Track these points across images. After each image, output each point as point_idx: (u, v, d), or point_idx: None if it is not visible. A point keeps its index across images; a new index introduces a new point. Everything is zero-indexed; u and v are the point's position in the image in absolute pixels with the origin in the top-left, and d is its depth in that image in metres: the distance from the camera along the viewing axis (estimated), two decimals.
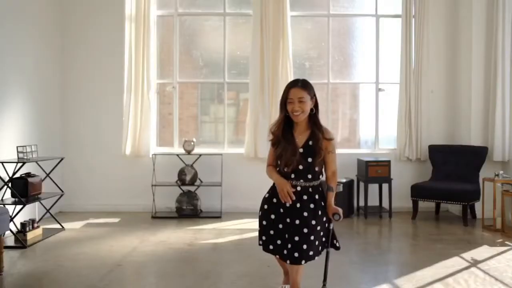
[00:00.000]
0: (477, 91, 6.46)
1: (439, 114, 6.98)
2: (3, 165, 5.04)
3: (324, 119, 7.16)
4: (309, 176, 3.03)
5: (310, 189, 3.05)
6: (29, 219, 5.24)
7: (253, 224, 6.06)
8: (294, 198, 3.02)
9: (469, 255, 4.66)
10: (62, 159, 5.98)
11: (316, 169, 3.04)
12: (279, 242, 3.07)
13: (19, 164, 5.20)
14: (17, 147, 5.31)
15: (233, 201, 6.79)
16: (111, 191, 6.87)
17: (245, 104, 7.17)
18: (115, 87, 6.79)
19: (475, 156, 6.29)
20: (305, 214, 3.00)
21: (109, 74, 6.84)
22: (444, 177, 6.45)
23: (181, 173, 6.51)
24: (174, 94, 7.08)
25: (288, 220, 3.04)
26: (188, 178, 6.51)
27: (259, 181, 6.89)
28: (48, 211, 5.83)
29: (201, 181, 6.62)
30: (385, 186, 6.57)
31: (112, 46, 6.82)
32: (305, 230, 2.98)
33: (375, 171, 6.40)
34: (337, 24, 7.23)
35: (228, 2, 7.09)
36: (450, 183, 6.21)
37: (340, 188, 3.24)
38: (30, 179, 5.22)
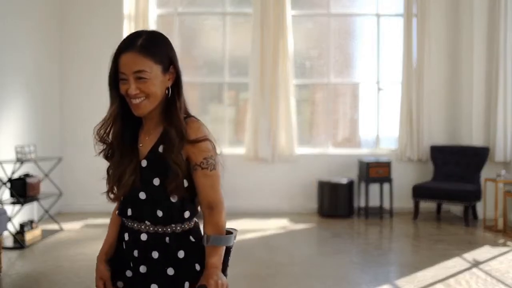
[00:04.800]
0: (479, 91, 6.43)
1: (440, 114, 6.95)
2: (1, 165, 5.01)
3: (324, 119, 7.15)
4: (161, 214, 1.61)
5: (168, 239, 1.62)
6: (28, 220, 5.22)
7: (253, 224, 6.04)
8: None
9: (471, 255, 4.63)
10: (60, 159, 5.95)
11: (175, 199, 1.61)
12: None
13: (18, 164, 5.17)
14: (15, 147, 5.28)
15: (233, 201, 6.74)
16: None
17: (245, 104, 7.14)
18: None
19: (477, 156, 6.26)
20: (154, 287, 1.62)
21: (108, 73, 6.79)
22: (446, 178, 6.42)
23: None
24: None
25: None
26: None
27: (259, 182, 6.92)
28: (46, 211, 5.80)
29: None
30: (386, 187, 6.54)
31: (111, 45, 6.70)
32: None
33: (375, 171, 6.38)
34: (338, 23, 7.20)
35: (228, 1, 7.06)
36: (452, 184, 6.19)
37: (230, 241, 1.64)
38: (28, 180, 5.19)
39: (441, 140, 6.89)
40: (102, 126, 1.68)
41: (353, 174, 6.78)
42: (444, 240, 5.30)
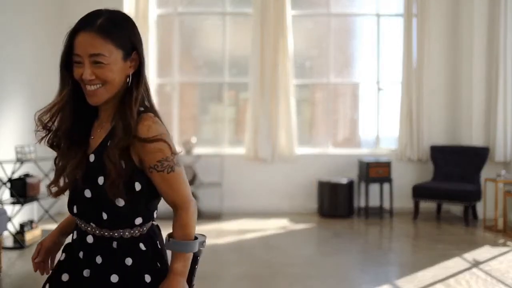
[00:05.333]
0: (479, 91, 6.43)
1: (440, 114, 6.94)
2: (1, 165, 5.01)
3: (324, 119, 7.15)
4: (106, 217, 1.45)
5: (115, 244, 1.47)
6: (28, 220, 5.21)
7: (253, 224, 6.04)
8: (47, 271, 1.68)
9: (471, 255, 4.63)
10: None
11: (121, 203, 1.43)
12: None
13: (18, 164, 5.17)
14: (15, 147, 5.28)
15: (233, 201, 6.76)
16: None
17: (245, 104, 7.14)
18: None
19: (477, 156, 6.26)
20: None
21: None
22: (446, 178, 6.42)
23: None
24: (173, 93, 7.05)
25: None
26: (187, 178, 6.47)
27: (259, 182, 6.92)
28: (47, 211, 5.80)
29: (201, 181, 6.60)
30: (386, 187, 6.54)
31: None
32: None
33: (375, 171, 6.37)
34: (338, 23, 7.20)
35: (228, 1, 7.06)
36: (452, 184, 6.18)
37: (192, 247, 1.48)
38: (28, 180, 5.19)
39: (441, 140, 6.89)
40: (47, 111, 1.51)
41: (353, 174, 6.78)
42: (444, 240, 5.30)
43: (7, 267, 4.21)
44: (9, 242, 4.97)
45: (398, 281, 3.90)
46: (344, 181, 6.43)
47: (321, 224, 6.11)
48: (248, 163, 6.79)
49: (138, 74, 1.47)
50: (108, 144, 1.42)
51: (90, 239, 1.49)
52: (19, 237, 4.97)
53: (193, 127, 7.27)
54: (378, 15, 7.07)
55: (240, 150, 6.89)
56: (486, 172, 6.19)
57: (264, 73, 6.68)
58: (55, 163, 1.56)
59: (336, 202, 6.41)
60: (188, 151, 6.55)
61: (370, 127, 7.22)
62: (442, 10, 6.89)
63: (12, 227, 5.18)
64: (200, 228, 5.76)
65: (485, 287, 3.72)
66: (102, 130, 1.49)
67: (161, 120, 1.48)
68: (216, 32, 7.16)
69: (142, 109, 1.46)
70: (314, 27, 7.29)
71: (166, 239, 1.52)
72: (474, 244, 5.07)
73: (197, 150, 6.70)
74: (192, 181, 6.48)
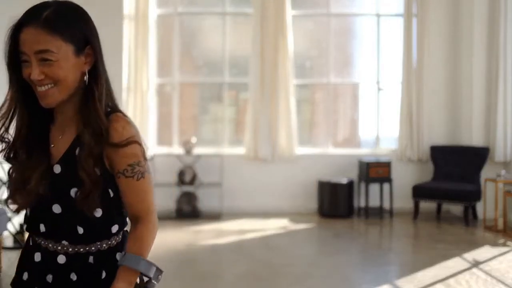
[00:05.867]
0: (479, 90, 6.42)
1: (440, 114, 6.94)
2: (1, 165, 5.01)
3: (324, 119, 7.15)
4: (82, 231, 1.32)
5: (92, 259, 1.34)
6: None
7: (253, 224, 6.04)
8: None
9: (471, 255, 4.63)
10: None
11: (98, 212, 1.32)
12: None
13: None
14: None
15: (233, 201, 6.75)
16: None
17: (245, 104, 7.14)
18: (114, 86, 6.64)
19: (477, 156, 6.26)
20: None
21: (108, 73, 6.79)
22: (446, 178, 6.42)
23: (181, 173, 6.49)
24: (173, 93, 7.05)
25: None
26: (187, 178, 6.48)
27: (259, 182, 6.92)
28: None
29: (201, 181, 6.60)
30: (386, 187, 6.54)
31: (111, 45, 6.77)
32: None
33: (375, 171, 6.37)
34: (338, 23, 7.20)
35: (228, 1, 7.06)
36: (452, 184, 6.18)
37: (148, 269, 1.33)
38: None
39: (441, 140, 6.89)
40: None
41: (353, 174, 6.77)
42: (444, 240, 5.30)
43: (7, 267, 4.21)
44: (9, 242, 4.97)
45: (398, 281, 3.90)
46: (344, 181, 6.42)
47: (321, 224, 6.11)
48: (248, 163, 6.79)
49: (95, 70, 1.33)
50: (77, 152, 1.28)
51: (61, 259, 1.32)
52: (19, 237, 4.97)
53: (193, 127, 7.27)
54: (378, 15, 7.07)
55: (240, 150, 6.89)
56: (486, 172, 6.19)
57: (264, 73, 6.68)
58: (9, 176, 1.35)
59: (336, 202, 6.41)
60: (188, 151, 6.55)
61: (370, 127, 7.22)
62: (442, 10, 6.89)
63: (12, 227, 5.18)
64: (201, 228, 5.77)
65: (485, 287, 3.72)
66: (64, 136, 1.33)
67: (131, 120, 1.36)
68: (216, 32, 7.16)
69: (109, 109, 1.33)
70: (314, 27, 7.29)
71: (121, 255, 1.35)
72: (474, 244, 5.07)
73: (197, 150, 6.70)
74: (192, 181, 6.48)
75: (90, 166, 1.26)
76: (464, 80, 6.66)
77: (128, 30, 6.69)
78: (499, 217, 5.68)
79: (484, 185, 5.99)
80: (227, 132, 7.13)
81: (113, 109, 1.35)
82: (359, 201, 6.71)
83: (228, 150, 7.00)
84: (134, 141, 1.30)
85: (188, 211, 6.45)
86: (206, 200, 6.66)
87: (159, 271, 1.36)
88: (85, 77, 1.31)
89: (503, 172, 5.84)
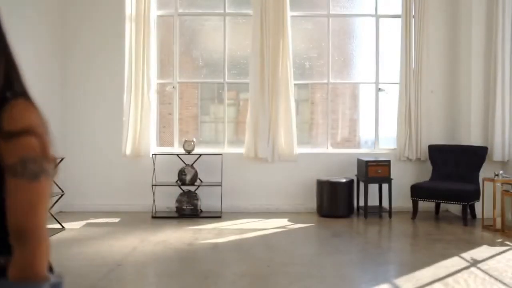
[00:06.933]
0: (477, 90, 6.46)
1: (439, 114, 6.98)
2: None
3: (324, 119, 7.18)
4: None
5: None
6: None
7: (253, 224, 6.07)
8: None
9: (469, 255, 4.66)
10: (62, 159, 5.98)
11: None
12: None
13: None
14: None
15: (233, 201, 6.79)
16: (111, 191, 6.87)
17: (245, 104, 7.17)
18: (115, 87, 6.79)
19: (475, 156, 6.29)
20: None
21: (109, 74, 6.84)
22: (444, 177, 6.46)
23: (181, 173, 6.52)
24: (174, 94, 7.08)
25: None
26: (188, 178, 6.51)
27: (259, 181, 6.95)
28: (48, 211, 5.83)
29: (201, 181, 6.63)
30: (385, 186, 6.57)
31: (112, 46, 6.83)
32: None
33: (375, 171, 6.40)
34: (337, 24, 7.23)
35: (228, 2, 7.09)
36: (450, 183, 6.21)
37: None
38: None
39: (439, 139, 6.92)
40: None
41: (353, 174, 6.81)
42: (442, 239, 5.33)
43: None
44: None
45: (397, 280, 3.93)
46: (343, 180, 6.46)
47: (320, 224, 6.14)
48: (248, 163, 6.82)
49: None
50: None
51: None
52: None
53: (193, 127, 7.30)
54: (377, 16, 7.10)
55: (240, 150, 6.93)
56: (484, 172, 6.22)
57: (264, 73, 6.71)
58: None
59: (335, 201, 6.44)
60: (189, 151, 6.58)
61: (369, 127, 7.26)
62: (441, 11, 6.92)
63: None
64: (201, 227, 5.80)
65: (483, 286, 3.75)
66: None
67: (38, 109, 1.12)
68: (216, 33, 7.19)
69: (8, 94, 1.09)
70: (314, 28, 7.32)
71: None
72: (473, 244, 5.10)
73: (197, 150, 6.74)
74: (192, 181, 6.51)
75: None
76: (462, 80, 6.69)
77: (129, 30, 6.72)
78: (497, 216, 5.71)
79: (483, 184, 6.02)
80: (227, 132, 7.16)
81: (20, 94, 1.12)
82: (358, 201, 6.75)
83: (228, 150, 7.04)
84: (30, 130, 1.04)
85: (188, 210, 6.48)
86: (206, 200, 6.70)
87: (56, 281, 1.16)
88: None
89: (501, 171, 5.88)
